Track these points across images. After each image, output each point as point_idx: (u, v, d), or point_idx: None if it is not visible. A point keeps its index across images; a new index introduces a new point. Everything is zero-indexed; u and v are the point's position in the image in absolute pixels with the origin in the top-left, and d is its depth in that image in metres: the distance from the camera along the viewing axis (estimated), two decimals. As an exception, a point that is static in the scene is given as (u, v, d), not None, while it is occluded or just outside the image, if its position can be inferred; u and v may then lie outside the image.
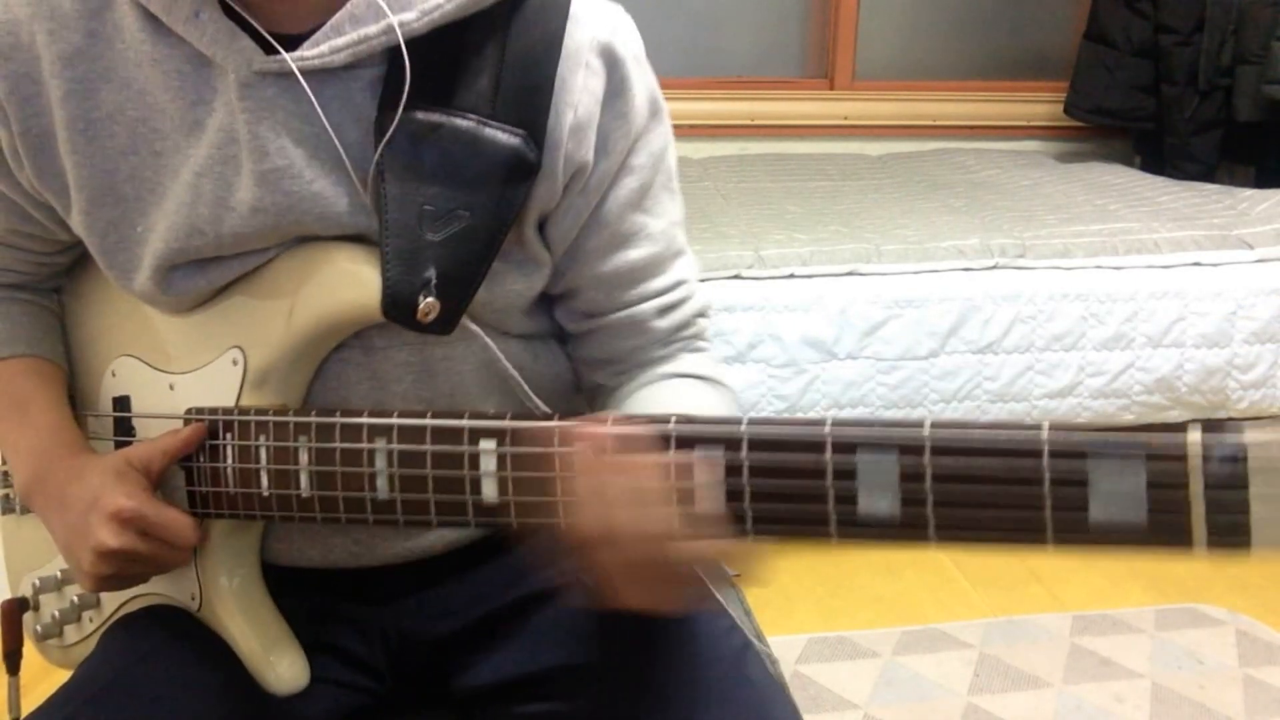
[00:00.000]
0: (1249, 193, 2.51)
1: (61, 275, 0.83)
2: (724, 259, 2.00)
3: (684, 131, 3.39)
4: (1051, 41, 3.33)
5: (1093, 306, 2.05)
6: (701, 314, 0.78)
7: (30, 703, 0.72)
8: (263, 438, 0.65)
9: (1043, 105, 3.27)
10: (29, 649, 0.84)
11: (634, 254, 0.72)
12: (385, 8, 0.62)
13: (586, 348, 0.77)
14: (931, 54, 3.32)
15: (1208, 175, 2.92)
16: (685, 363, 0.76)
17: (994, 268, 2.07)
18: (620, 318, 0.74)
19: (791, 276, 2.01)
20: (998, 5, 3.31)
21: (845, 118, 3.23)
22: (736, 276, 1.99)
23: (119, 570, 0.67)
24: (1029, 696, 1.62)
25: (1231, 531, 0.42)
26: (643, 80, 0.69)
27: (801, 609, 1.88)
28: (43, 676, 0.83)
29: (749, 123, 3.18)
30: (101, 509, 0.65)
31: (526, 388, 0.71)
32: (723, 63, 3.21)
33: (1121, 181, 2.76)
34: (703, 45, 3.20)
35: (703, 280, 0.79)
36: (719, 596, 0.76)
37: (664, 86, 0.73)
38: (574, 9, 0.67)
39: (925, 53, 3.32)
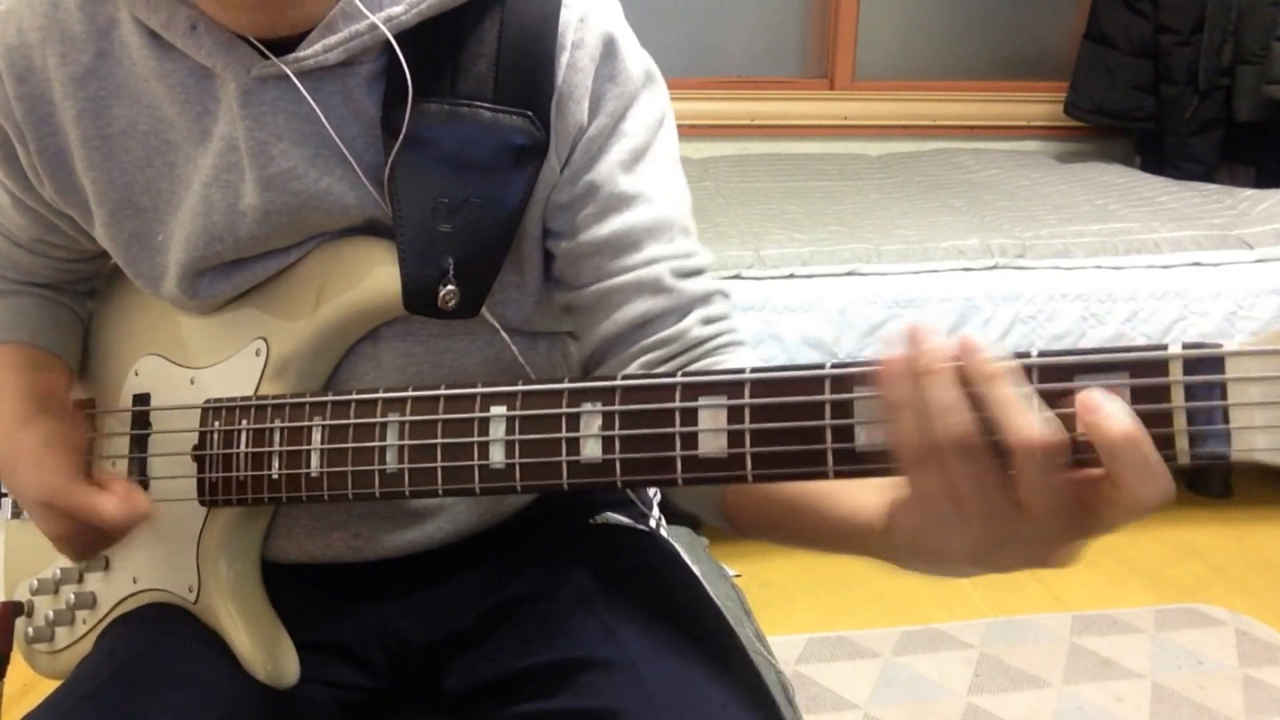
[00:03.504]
0: (1249, 193, 2.51)
1: (89, 281, 0.84)
2: (724, 259, 2.00)
3: (684, 131, 3.38)
4: (1051, 41, 3.33)
5: (1093, 306, 2.05)
6: (729, 309, 0.70)
7: (13, 715, 0.72)
8: (278, 420, 0.66)
9: (1043, 105, 3.27)
10: (19, 661, 0.83)
11: (633, 216, 0.67)
12: (362, 7, 0.62)
13: (595, 327, 0.68)
14: (931, 54, 3.32)
15: (1208, 175, 2.92)
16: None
17: (994, 268, 2.07)
18: (630, 279, 0.67)
19: (791, 276, 2.01)
20: (998, 5, 3.31)
21: (845, 118, 3.23)
22: (736, 276, 1.99)
23: (78, 549, 0.70)
24: (1029, 696, 1.62)
25: (1211, 439, 0.43)
26: (634, 51, 0.69)
27: (801, 609, 1.88)
28: (31, 687, 0.83)
29: (749, 123, 3.18)
30: (30, 498, 0.68)
31: (535, 379, 0.71)
32: (723, 63, 3.21)
33: (1121, 181, 2.76)
34: (703, 45, 3.20)
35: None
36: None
37: (664, 86, 0.73)
38: None
39: (925, 53, 3.32)
